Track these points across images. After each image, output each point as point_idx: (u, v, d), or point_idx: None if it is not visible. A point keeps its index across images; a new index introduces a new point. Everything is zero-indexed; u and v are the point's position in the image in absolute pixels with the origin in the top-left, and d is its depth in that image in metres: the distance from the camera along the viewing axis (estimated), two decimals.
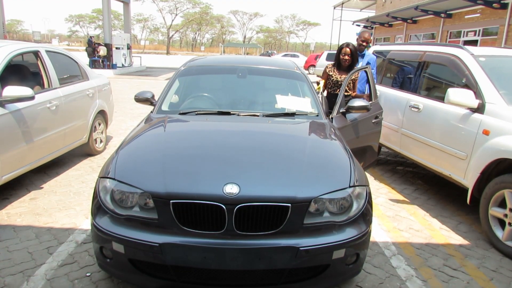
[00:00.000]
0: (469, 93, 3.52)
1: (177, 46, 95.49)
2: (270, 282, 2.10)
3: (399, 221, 3.69)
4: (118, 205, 2.13)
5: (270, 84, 3.79)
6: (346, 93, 4.42)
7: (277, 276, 2.09)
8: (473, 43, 16.94)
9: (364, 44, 5.18)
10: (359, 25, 31.93)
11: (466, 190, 3.61)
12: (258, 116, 3.14)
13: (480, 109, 3.49)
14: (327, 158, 2.53)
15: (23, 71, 4.20)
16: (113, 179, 2.17)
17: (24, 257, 2.76)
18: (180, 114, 3.18)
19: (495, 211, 3.23)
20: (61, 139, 4.37)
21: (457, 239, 3.39)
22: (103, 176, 2.24)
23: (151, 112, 3.32)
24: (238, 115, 3.14)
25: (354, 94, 4.64)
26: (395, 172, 5.25)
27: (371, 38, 5.81)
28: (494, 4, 15.05)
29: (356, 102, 3.41)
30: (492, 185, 3.24)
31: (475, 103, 3.50)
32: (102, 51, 18.62)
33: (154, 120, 3.04)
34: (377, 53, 5.75)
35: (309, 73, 23.38)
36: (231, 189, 2.01)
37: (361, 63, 5.04)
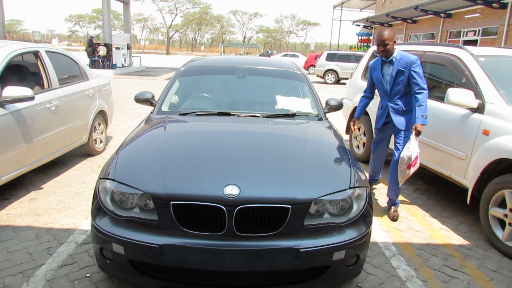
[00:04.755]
0: (469, 93, 3.52)
1: (177, 46, 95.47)
2: (270, 283, 2.10)
3: (399, 221, 3.69)
4: (118, 206, 2.13)
5: (270, 85, 3.79)
6: None
7: (277, 278, 2.08)
8: (473, 43, 16.96)
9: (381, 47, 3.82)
10: (358, 25, 32.00)
11: (466, 190, 3.61)
12: (258, 117, 3.14)
13: (480, 109, 3.49)
14: (327, 159, 2.53)
15: (23, 71, 4.20)
16: (113, 180, 2.17)
17: (24, 257, 2.75)
18: (180, 114, 3.18)
19: (495, 211, 3.23)
20: (61, 139, 4.36)
21: (457, 239, 3.39)
22: (103, 177, 2.24)
23: (151, 112, 3.32)
24: (238, 116, 3.14)
25: None
26: None
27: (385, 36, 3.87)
28: (493, 4, 15.07)
29: (332, 101, 3.59)
30: (492, 185, 3.24)
31: (475, 103, 3.50)
32: (102, 51, 18.60)
33: (154, 121, 3.04)
34: (377, 53, 5.73)
35: (309, 73, 23.35)
36: (231, 191, 2.01)
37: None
